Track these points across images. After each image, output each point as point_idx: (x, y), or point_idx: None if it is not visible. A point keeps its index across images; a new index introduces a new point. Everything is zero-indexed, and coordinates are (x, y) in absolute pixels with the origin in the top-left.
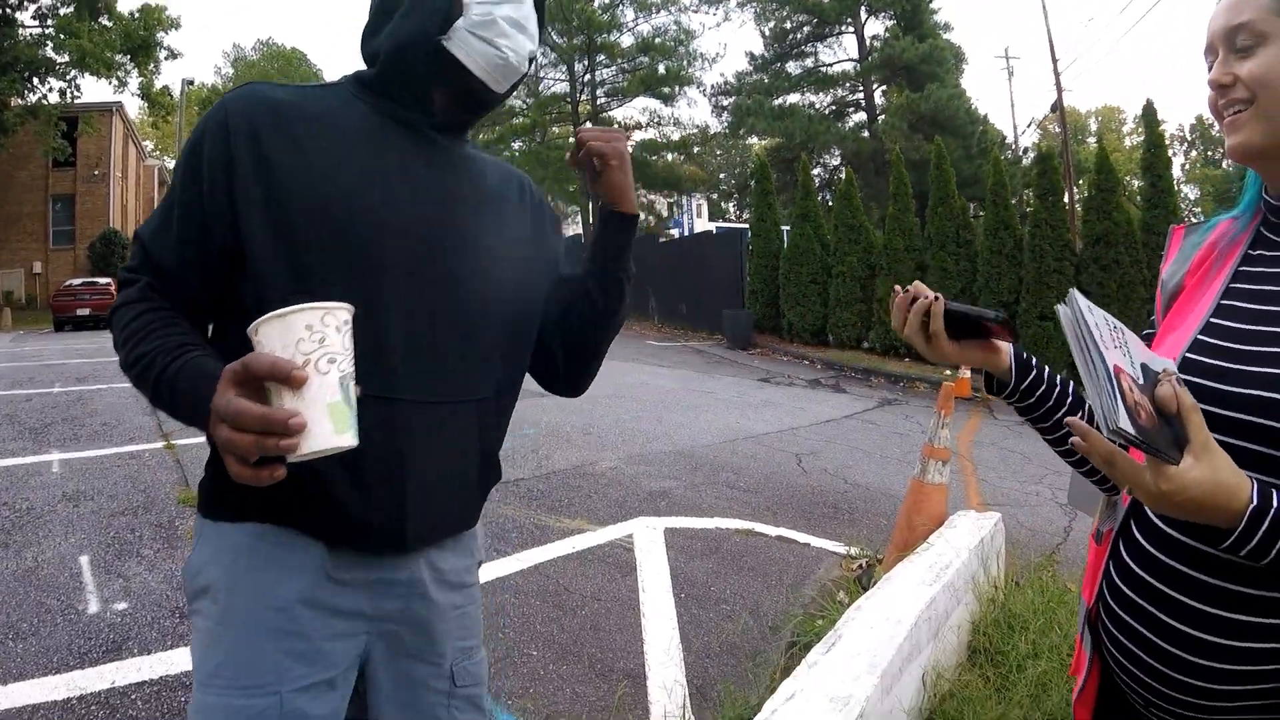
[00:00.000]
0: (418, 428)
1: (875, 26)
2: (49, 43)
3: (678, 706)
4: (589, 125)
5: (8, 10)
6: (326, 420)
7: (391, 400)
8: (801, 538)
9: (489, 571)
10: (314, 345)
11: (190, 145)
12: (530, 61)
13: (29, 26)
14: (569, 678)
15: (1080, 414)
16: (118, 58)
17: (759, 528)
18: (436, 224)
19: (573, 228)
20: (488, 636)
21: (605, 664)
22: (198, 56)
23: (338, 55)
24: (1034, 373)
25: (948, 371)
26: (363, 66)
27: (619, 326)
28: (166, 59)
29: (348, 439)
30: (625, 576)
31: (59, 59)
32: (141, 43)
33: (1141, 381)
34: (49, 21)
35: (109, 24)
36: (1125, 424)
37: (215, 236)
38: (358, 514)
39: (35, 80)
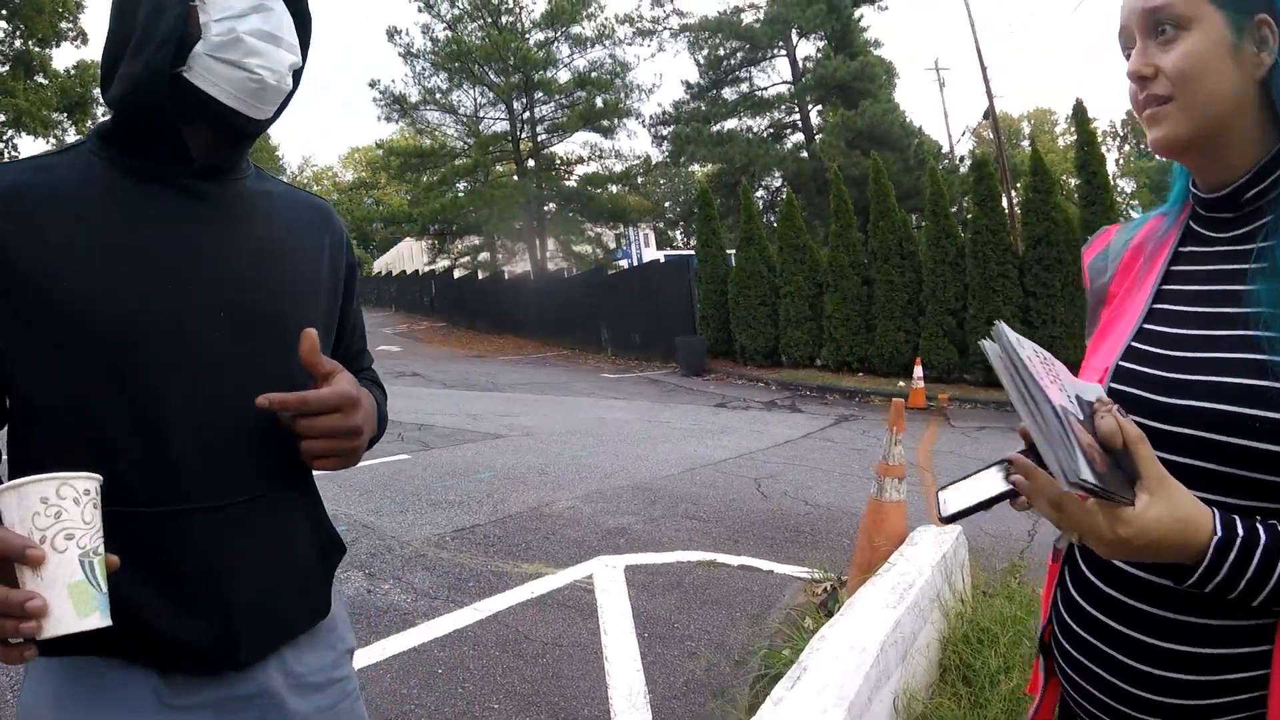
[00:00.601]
0: (227, 535)
1: (807, 48)
2: None
3: None
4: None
5: None
6: (67, 602)
7: (187, 511)
8: (764, 565)
9: (447, 624)
10: (49, 520)
11: None
12: (294, 76)
13: None
14: None
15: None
16: (54, 115)
17: (721, 558)
18: (210, 293)
19: (522, 265)
20: (448, 692)
21: (569, 713)
22: None
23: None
24: None
25: (900, 384)
26: None
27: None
28: (104, 114)
29: (93, 620)
30: (586, 619)
31: None
32: (78, 99)
33: (1081, 417)
34: None
35: (45, 82)
36: (1087, 474)
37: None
38: (183, 639)
39: None
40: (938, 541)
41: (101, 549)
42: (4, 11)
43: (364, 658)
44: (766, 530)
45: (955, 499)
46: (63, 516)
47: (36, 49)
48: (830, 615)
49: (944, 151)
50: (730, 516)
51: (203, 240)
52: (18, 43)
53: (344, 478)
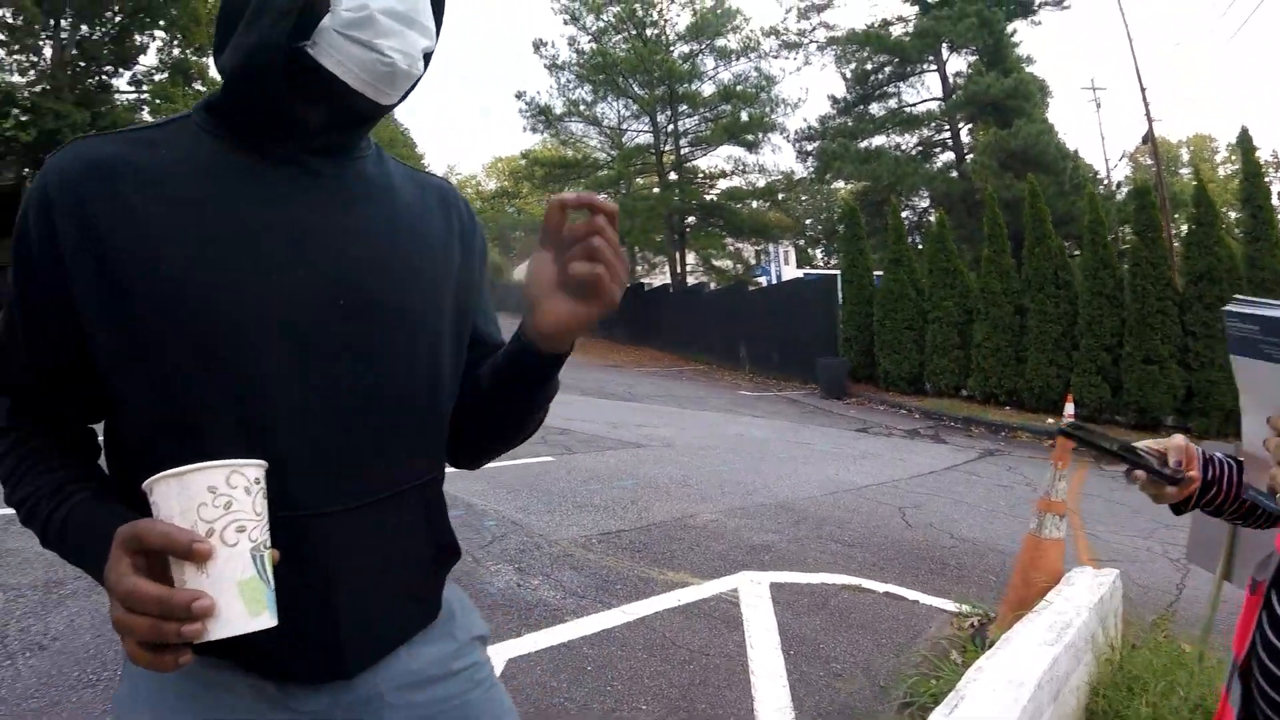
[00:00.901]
0: (336, 543)
1: (958, 63)
2: (145, 107)
3: None
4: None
5: (104, 76)
6: (237, 600)
7: (292, 518)
8: (910, 594)
9: (595, 623)
10: (218, 511)
11: (17, 230)
12: (425, 61)
13: (125, 92)
14: None
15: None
16: None
17: (866, 583)
18: (323, 280)
19: (662, 277)
20: (597, 689)
21: None
22: None
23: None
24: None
25: (1050, 420)
26: None
27: (539, 424)
28: None
29: (265, 619)
30: (732, 631)
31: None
32: None
33: None
34: (144, 87)
35: (203, 89)
36: None
37: (67, 339)
38: (287, 652)
39: None
40: (1095, 583)
41: (269, 541)
42: (162, 23)
43: (514, 649)
44: (911, 560)
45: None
46: (233, 507)
47: (194, 58)
48: (979, 649)
49: (1099, 177)
50: (874, 543)
51: (316, 222)
52: (175, 51)
53: (490, 475)
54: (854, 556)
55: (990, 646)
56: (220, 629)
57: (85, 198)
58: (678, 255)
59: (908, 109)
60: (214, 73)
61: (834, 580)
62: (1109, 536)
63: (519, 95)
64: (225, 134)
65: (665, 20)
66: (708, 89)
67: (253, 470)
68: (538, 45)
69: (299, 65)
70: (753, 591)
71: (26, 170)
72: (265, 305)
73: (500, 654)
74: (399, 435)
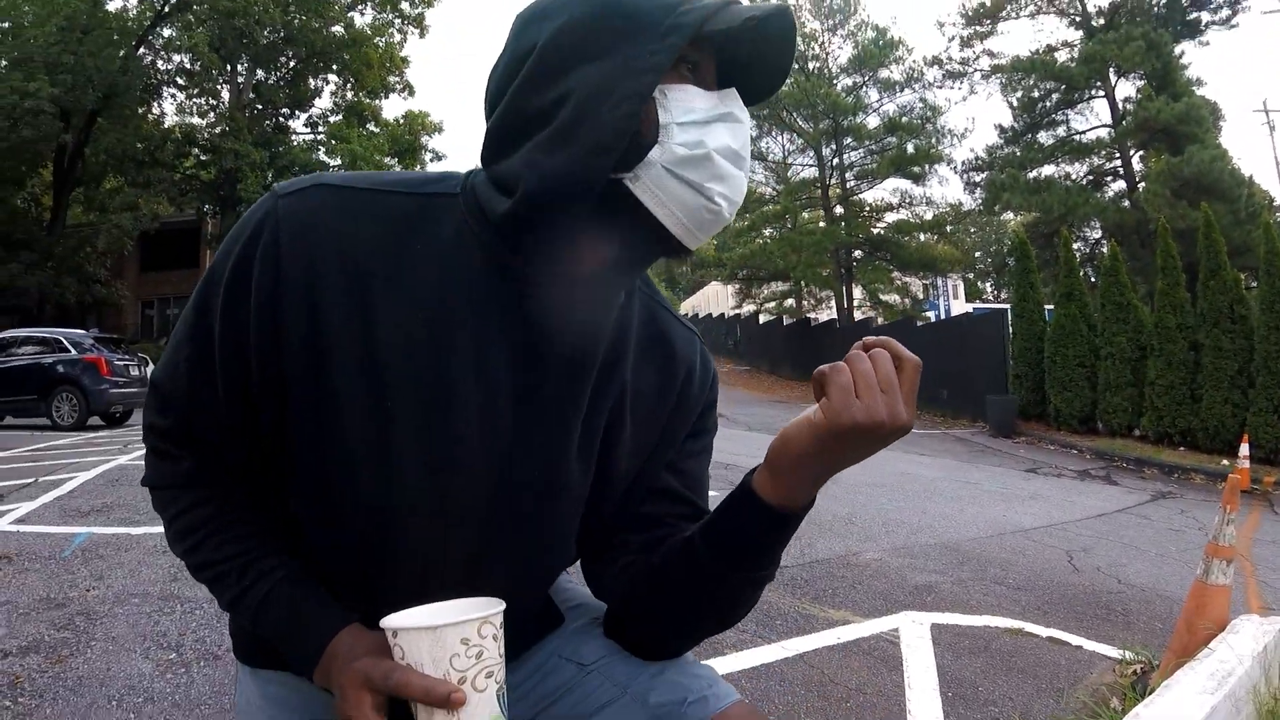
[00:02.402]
0: None
1: (1126, 89)
2: (321, 147)
3: None
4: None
5: (280, 118)
6: None
7: None
8: (1073, 639)
9: (754, 657)
10: (470, 661)
11: (230, 275)
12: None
13: (301, 133)
14: None
15: None
16: (386, 159)
17: (1029, 627)
18: (512, 464)
19: (828, 312)
20: None
21: None
22: (460, 156)
23: None
24: None
25: (1225, 462)
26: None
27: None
28: (431, 160)
29: None
30: (891, 671)
31: (331, 162)
32: (407, 146)
33: None
34: (320, 128)
35: (376, 129)
36: None
37: (266, 400)
38: None
39: None
40: (1261, 632)
41: (505, 676)
42: (335, 67)
43: None
44: (1077, 604)
45: None
46: (484, 656)
47: (367, 100)
48: (1140, 697)
49: (1276, 204)
50: (1039, 586)
51: (535, 392)
52: (349, 95)
53: None
54: (1018, 599)
55: (1150, 693)
56: None
57: (317, 262)
58: (844, 290)
59: (1076, 137)
60: (386, 114)
61: (997, 623)
62: (1279, 583)
63: None
64: (493, 244)
65: (827, 53)
66: (872, 121)
67: (498, 616)
68: None
69: (610, 195)
70: (913, 632)
71: (207, 207)
72: (474, 464)
73: None
74: (534, 583)
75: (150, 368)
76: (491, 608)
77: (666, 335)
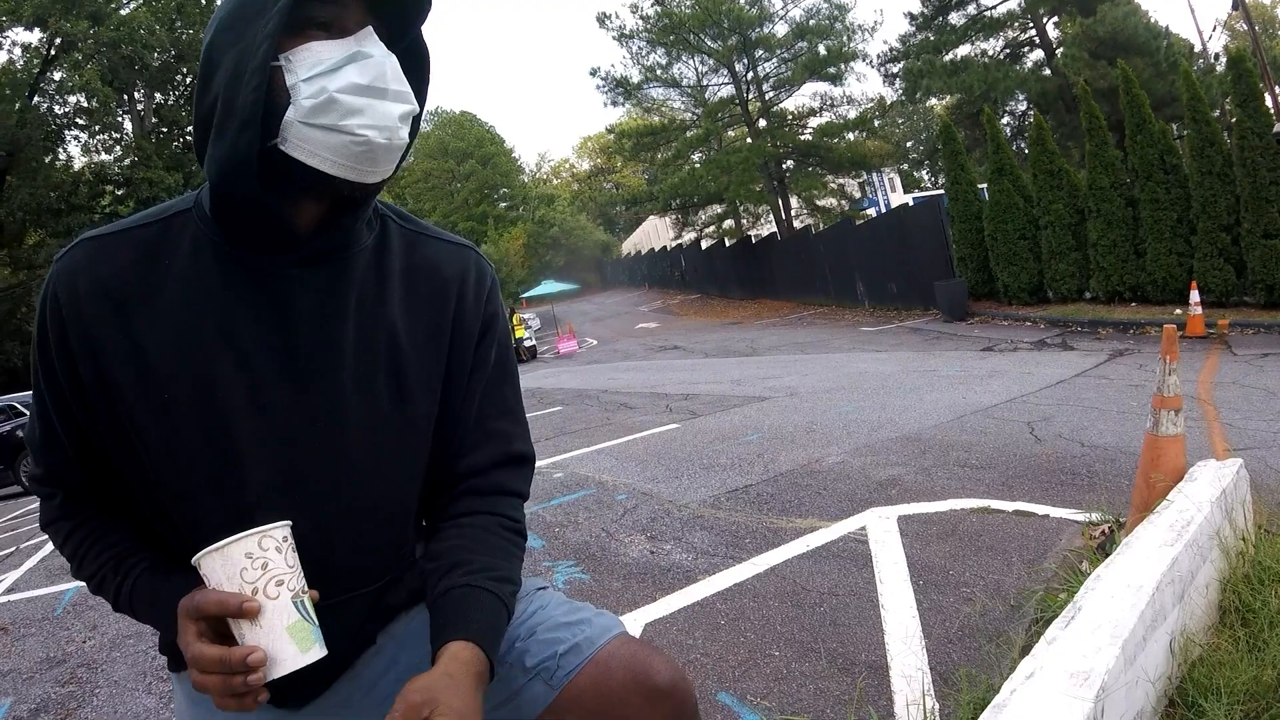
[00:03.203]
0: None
1: None
2: None
3: (919, 694)
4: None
5: (187, 138)
6: (289, 643)
7: None
8: (1040, 509)
9: (727, 579)
10: (258, 572)
11: (36, 336)
12: (412, 126)
13: None
14: (811, 674)
15: None
16: None
17: (995, 504)
18: (309, 401)
19: (768, 227)
20: (731, 641)
21: (846, 658)
22: None
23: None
24: None
25: (1178, 311)
26: None
27: None
28: None
29: (315, 652)
30: (861, 569)
31: None
32: None
33: None
34: None
35: None
36: None
37: (92, 426)
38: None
39: None
40: (1217, 476)
41: (305, 585)
42: None
43: (651, 613)
44: (1042, 474)
45: None
46: (270, 566)
47: None
48: (1108, 557)
49: (1196, 51)
50: (1003, 462)
51: (299, 341)
52: None
53: (617, 451)
54: (982, 479)
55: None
56: (279, 669)
57: (83, 306)
58: (781, 202)
59: (988, 13)
60: None
61: (962, 505)
62: (1244, 423)
63: (594, 72)
64: (222, 240)
65: None
66: (781, 29)
67: (279, 530)
68: (602, 19)
69: (276, 163)
70: (880, 527)
71: None
72: (253, 431)
73: (637, 619)
74: (374, 538)
75: None
76: (275, 525)
77: (432, 259)
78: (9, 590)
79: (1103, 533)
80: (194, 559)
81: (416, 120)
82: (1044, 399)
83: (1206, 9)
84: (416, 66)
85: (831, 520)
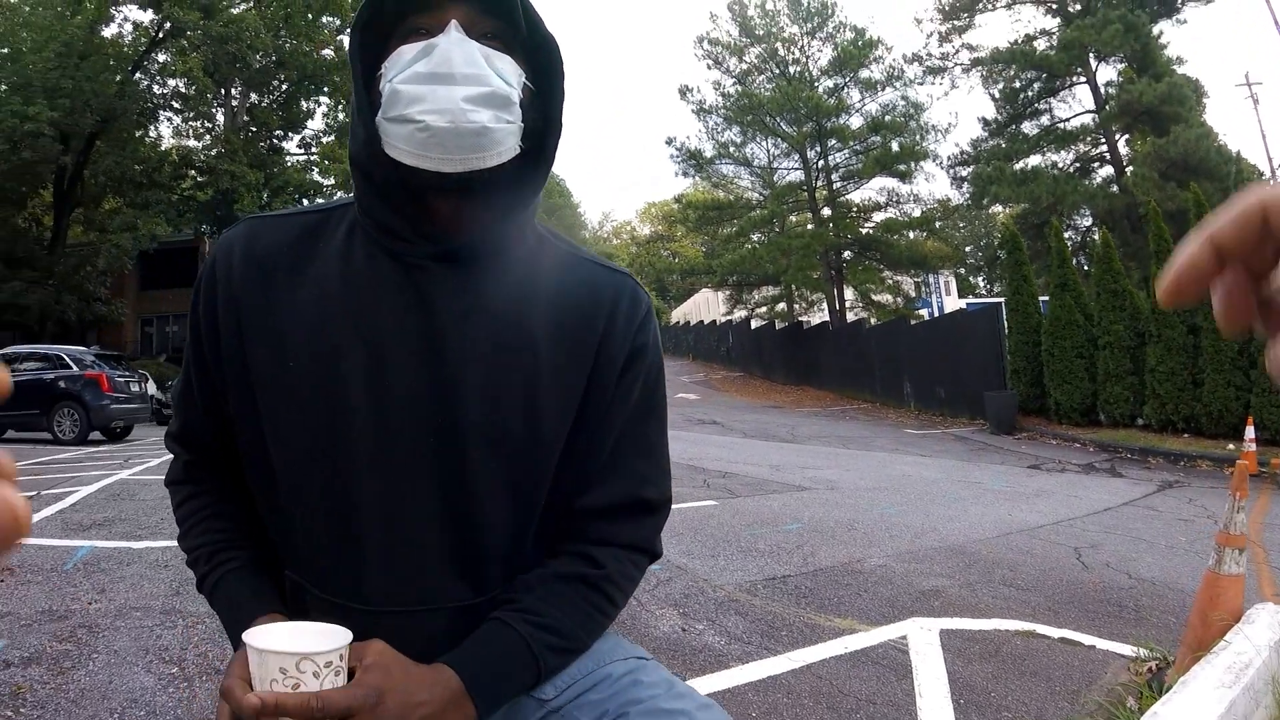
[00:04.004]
0: (407, 639)
1: (1107, 73)
2: (315, 167)
3: None
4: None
5: (275, 140)
6: None
7: (370, 613)
8: (1086, 639)
9: (760, 669)
10: (286, 689)
11: (193, 296)
12: (503, 108)
13: (295, 154)
14: None
15: None
16: None
17: (1040, 629)
18: (426, 402)
19: (820, 315)
20: None
21: None
22: None
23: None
24: None
25: (1230, 447)
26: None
27: None
28: None
29: None
30: (900, 680)
31: (325, 182)
32: None
33: None
34: (313, 148)
35: None
36: None
37: (226, 394)
38: None
39: (304, 202)
40: (1276, 621)
41: None
42: (326, 89)
43: None
44: (1088, 603)
45: None
46: (301, 688)
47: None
48: (1155, 695)
49: (1265, 177)
50: (1049, 586)
51: (431, 339)
52: (340, 116)
53: None
54: (1028, 600)
55: (1166, 691)
56: None
57: (236, 278)
58: (835, 292)
59: (1061, 125)
60: None
61: (1007, 626)
62: None
63: (669, 141)
64: (374, 232)
65: (807, 57)
66: (855, 122)
67: (325, 656)
68: (684, 91)
69: (383, 163)
70: (922, 638)
71: (205, 227)
72: (368, 419)
73: None
74: (480, 554)
75: (150, 384)
76: (326, 644)
77: (585, 280)
78: None
79: (1150, 669)
80: (247, 633)
81: (504, 104)
82: (1091, 525)
83: (1277, 136)
84: (539, 56)
85: (872, 624)
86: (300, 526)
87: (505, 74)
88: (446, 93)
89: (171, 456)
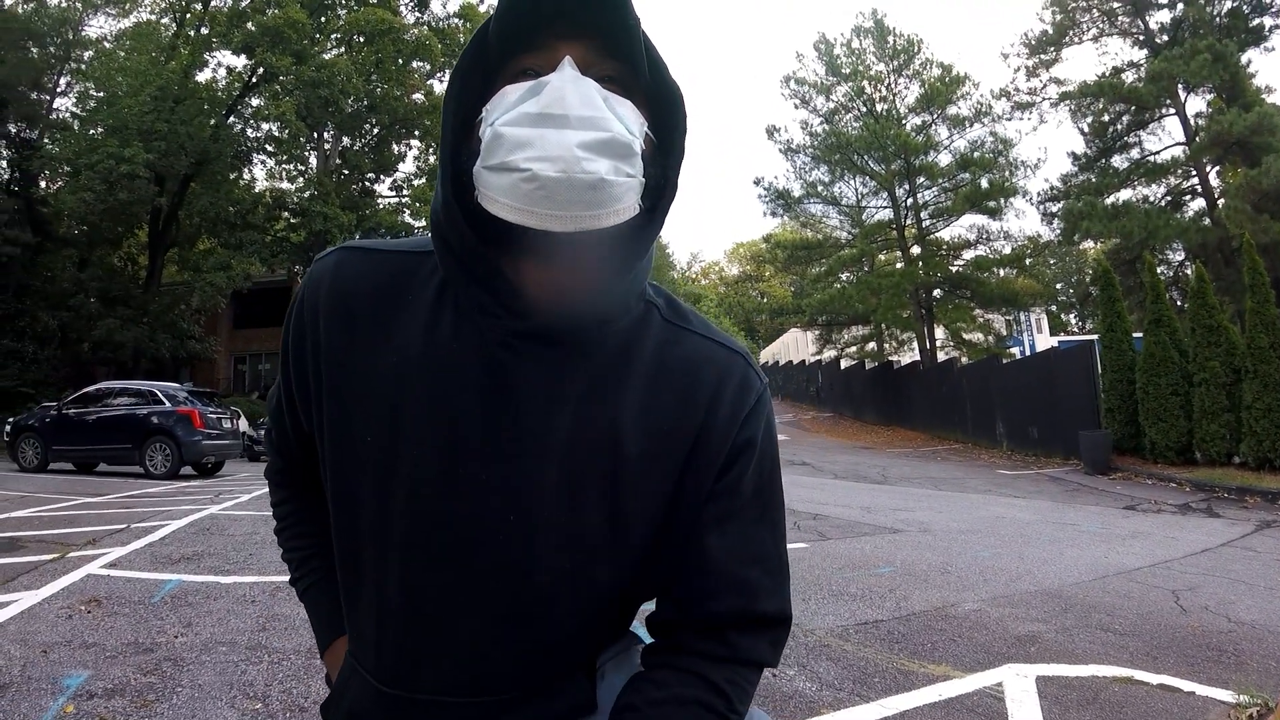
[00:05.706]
0: None
1: (1196, 104)
2: (406, 210)
3: None
4: None
5: (367, 183)
6: None
7: (415, 700)
8: (1185, 685)
9: (852, 717)
10: None
11: (285, 323)
12: (624, 159)
13: (386, 196)
14: None
15: None
16: None
17: (1139, 675)
18: (493, 492)
19: (910, 354)
20: None
21: None
22: None
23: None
24: None
25: None
26: None
27: None
28: None
29: None
30: None
31: (416, 224)
32: None
33: None
34: (404, 191)
35: None
36: None
37: (305, 420)
38: None
39: None
40: None
41: None
42: (416, 133)
43: None
44: (1187, 648)
45: None
46: None
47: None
48: None
49: None
50: (1147, 630)
51: (506, 421)
52: (431, 159)
53: None
54: (1126, 646)
55: None
56: None
57: (323, 323)
58: (926, 330)
59: (1151, 158)
60: None
61: (1105, 672)
62: None
63: (757, 181)
64: (462, 300)
65: (894, 94)
66: (944, 159)
67: None
68: (771, 131)
69: (480, 220)
70: (1018, 685)
71: (298, 267)
72: (431, 503)
73: None
74: (542, 648)
75: (242, 420)
76: None
77: (689, 359)
78: (110, 565)
79: (1251, 716)
80: None
81: (671, 162)
82: (1189, 567)
83: None
84: (660, 106)
85: (966, 671)
86: (348, 590)
87: (627, 120)
88: (558, 137)
89: (268, 453)
